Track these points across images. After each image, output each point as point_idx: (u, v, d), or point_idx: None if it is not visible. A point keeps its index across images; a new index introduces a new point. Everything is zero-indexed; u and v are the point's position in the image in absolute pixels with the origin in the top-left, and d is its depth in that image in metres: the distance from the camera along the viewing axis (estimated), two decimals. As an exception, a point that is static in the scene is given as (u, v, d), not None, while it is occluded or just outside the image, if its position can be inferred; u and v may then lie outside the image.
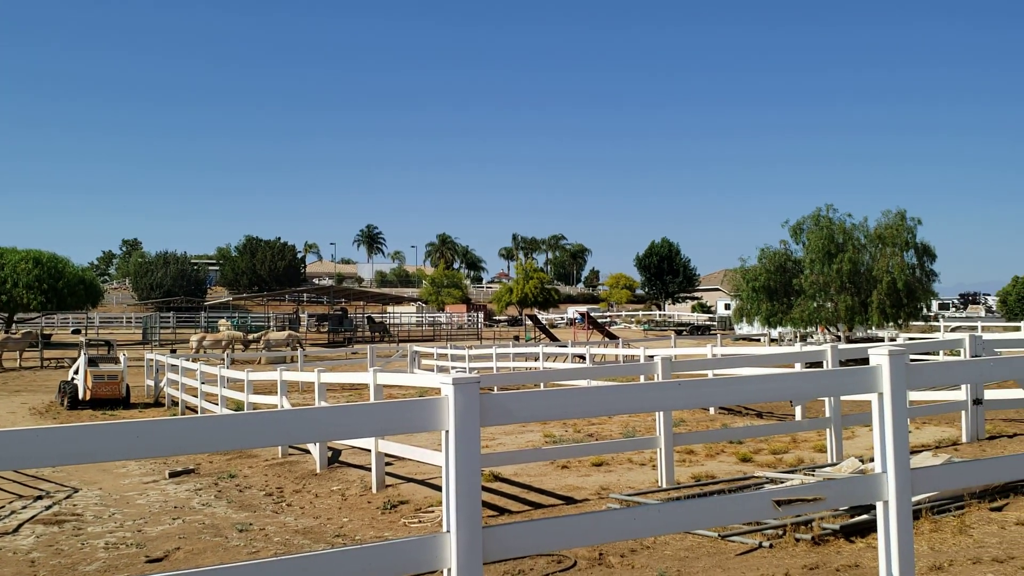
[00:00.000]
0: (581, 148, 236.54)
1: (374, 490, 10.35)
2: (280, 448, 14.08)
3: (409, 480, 10.76)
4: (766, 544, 6.52)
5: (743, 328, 47.89)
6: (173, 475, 12.92)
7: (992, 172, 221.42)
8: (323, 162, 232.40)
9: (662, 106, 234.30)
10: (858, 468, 8.28)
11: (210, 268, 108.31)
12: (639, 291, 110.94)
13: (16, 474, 12.48)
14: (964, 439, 11.35)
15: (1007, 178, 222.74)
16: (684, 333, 61.63)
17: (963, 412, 11.48)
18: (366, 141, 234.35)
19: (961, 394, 11.54)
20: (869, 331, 36.07)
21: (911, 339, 32.54)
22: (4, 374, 35.61)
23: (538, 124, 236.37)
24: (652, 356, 14.09)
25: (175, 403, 23.73)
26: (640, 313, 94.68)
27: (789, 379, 6.43)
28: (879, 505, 4.46)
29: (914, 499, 4.65)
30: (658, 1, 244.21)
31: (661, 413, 9.25)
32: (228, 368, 20.04)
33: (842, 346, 12.46)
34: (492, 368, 26.53)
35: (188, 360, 24.71)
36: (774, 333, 43.34)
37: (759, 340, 45.50)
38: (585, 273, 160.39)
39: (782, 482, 8.54)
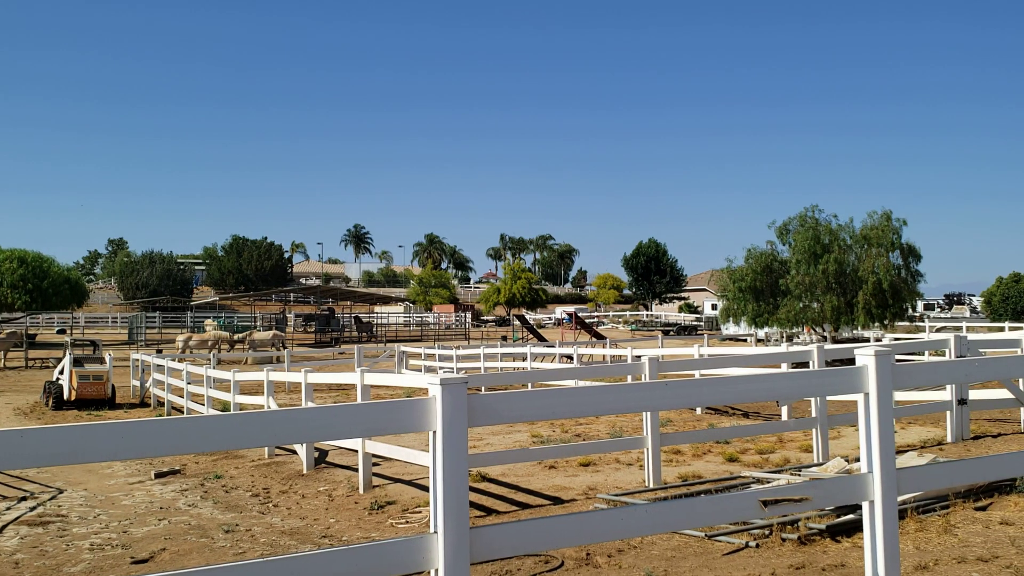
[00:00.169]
0: (569, 148, 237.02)
1: (361, 491, 10.32)
2: (267, 449, 14.03)
3: (396, 481, 10.75)
4: (753, 544, 6.54)
5: (730, 328, 48.08)
6: (159, 476, 12.86)
7: (978, 173, 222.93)
8: (310, 162, 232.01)
9: (649, 106, 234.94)
10: (844, 468, 8.32)
11: (196, 268, 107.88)
12: (627, 291, 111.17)
13: (0, 475, 12.39)
14: (949, 439, 11.42)
15: (992, 179, 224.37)
16: (671, 333, 61.79)
17: (948, 412, 11.55)
18: (353, 141, 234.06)
19: (946, 394, 11.61)
20: (855, 331, 36.26)
21: (897, 339, 32.74)
22: (-12, 374, 35.35)
23: (526, 125, 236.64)
24: (639, 356, 14.13)
25: (161, 403, 23.61)
26: (627, 313, 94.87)
27: (776, 379, 6.46)
28: (865, 505, 4.48)
29: (900, 499, 4.68)
30: (639, 1, 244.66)
31: (648, 413, 9.28)
32: (215, 368, 19.96)
33: (828, 346, 12.51)
34: (480, 368, 26.53)
35: (174, 360, 24.60)
36: (760, 333, 43.52)
37: (746, 340, 45.68)
38: (573, 273, 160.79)
39: (768, 482, 8.57)
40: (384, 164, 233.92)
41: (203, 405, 18.57)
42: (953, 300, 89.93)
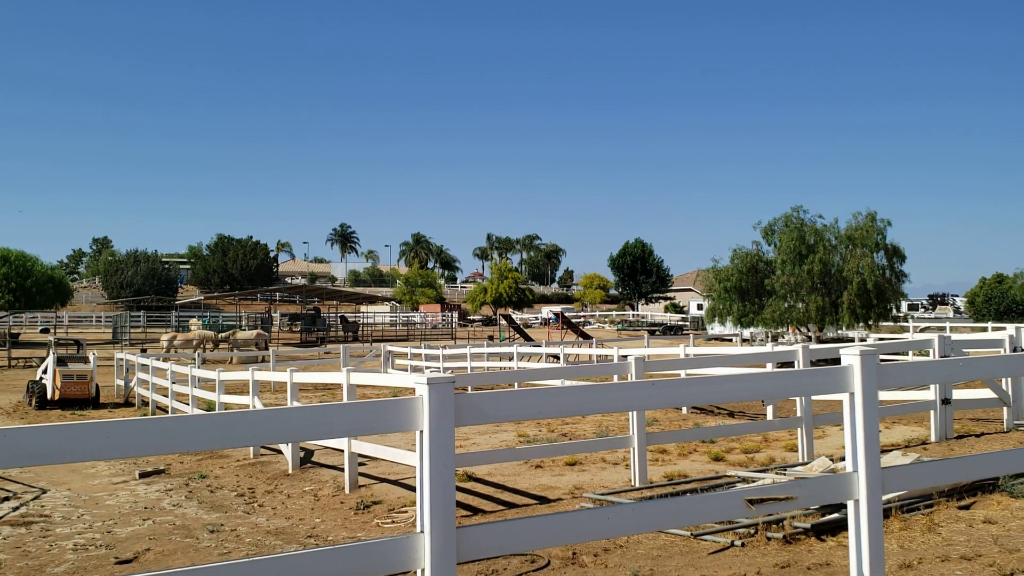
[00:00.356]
0: (556, 148, 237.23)
1: (347, 490, 10.30)
2: (252, 448, 13.98)
3: (382, 480, 10.72)
4: (738, 543, 6.56)
5: (715, 328, 48.23)
6: (143, 475, 12.79)
7: (963, 174, 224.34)
8: (296, 161, 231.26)
9: (636, 107, 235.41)
10: (829, 467, 8.35)
11: (181, 267, 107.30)
12: (613, 291, 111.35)
13: (-18, 475, 12.30)
14: (933, 438, 11.49)
15: (977, 181, 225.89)
16: (657, 333, 61.94)
17: (932, 412, 11.62)
18: (340, 141, 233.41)
19: (930, 394, 11.68)
20: (840, 331, 36.44)
21: (881, 339, 32.90)
22: (-30, 374, 35.08)
23: (513, 125, 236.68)
24: (625, 356, 14.14)
25: (145, 403, 23.49)
26: (614, 313, 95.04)
27: (761, 379, 6.48)
28: (850, 504, 4.50)
29: (884, 498, 4.71)
30: (627, 2, 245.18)
31: (634, 413, 9.29)
32: (199, 368, 19.86)
33: (813, 346, 12.56)
34: (466, 368, 26.51)
35: (159, 360, 24.48)
36: (746, 333, 43.70)
37: (731, 340, 45.85)
38: (559, 273, 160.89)
39: (754, 481, 8.60)
40: (370, 164, 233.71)
41: (188, 405, 18.47)
42: (937, 301, 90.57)
